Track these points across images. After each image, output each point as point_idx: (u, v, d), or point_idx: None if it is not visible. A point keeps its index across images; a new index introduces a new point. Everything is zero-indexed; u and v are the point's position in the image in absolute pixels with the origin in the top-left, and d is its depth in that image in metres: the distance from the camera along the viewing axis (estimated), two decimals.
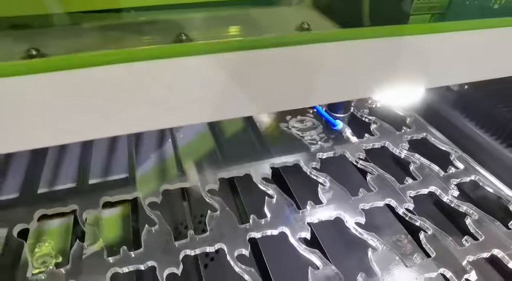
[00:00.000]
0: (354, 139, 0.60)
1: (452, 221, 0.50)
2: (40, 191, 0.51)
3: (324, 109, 0.63)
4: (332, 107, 0.63)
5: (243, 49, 0.24)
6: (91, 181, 0.53)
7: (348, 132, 0.60)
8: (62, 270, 0.41)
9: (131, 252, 0.43)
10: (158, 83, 0.23)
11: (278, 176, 0.55)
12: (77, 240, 0.44)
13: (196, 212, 0.50)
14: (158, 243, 0.44)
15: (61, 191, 0.51)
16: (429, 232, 0.46)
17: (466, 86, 0.65)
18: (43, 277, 0.40)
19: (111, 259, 0.42)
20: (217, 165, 0.55)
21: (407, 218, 0.48)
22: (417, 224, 0.48)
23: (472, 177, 0.55)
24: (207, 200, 0.49)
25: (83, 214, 0.47)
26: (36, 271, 0.41)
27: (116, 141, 0.61)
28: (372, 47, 0.28)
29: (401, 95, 0.71)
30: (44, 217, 0.47)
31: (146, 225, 0.45)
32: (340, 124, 0.61)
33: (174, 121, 0.27)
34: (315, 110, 0.67)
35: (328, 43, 0.26)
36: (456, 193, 0.52)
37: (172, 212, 0.49)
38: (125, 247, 0.43)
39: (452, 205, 0.51)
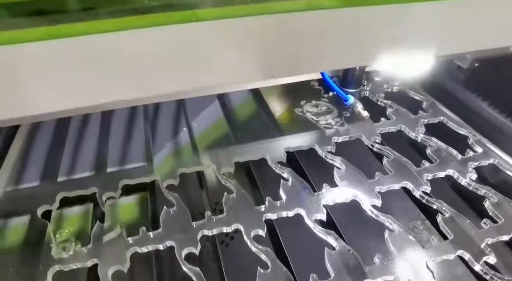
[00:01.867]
0: (365, 113, 0.60)
1: (470, 204, 0.50)
2: (60, 179, 0.52)
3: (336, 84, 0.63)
4: (344, 83, 0.64)
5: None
6: (109, 170, 0.53)
7: (359, 106, 0.60)
8: (84, 249, 0.42)
9: (150, 233, 0.44)
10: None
11: (293, 161, 0.55)
12: (97, 222, 0.45)
13: (212, 195, 0.50)
14: (176, 223, 0.44)
15: (81, 178, 0.52)
16: (447, 215, 0.46)
17: (476, 64, 0.64)
18: (65, 256, 0.42)
19: (130, 240, 0.43)
20: (232, 149, 0.55)
21: (424, 201, 0.48)
22: (434, 206, 0.47)
23: (491, 161, 0.54)
24: (223, 182, 0.50)
25: (103, 196, 0.48)
26: (58, 256, 0.42)
27: (133, 129, 0.62)
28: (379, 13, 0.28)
29: (415, 78, 0.71)
30: (65, 203, 0.49)
31: (165, 207, 0.46)
32: (351, 99, 0.61)
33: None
34: (330, 94, 0.67)
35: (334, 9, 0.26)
36: (474, 176, 0.51)
37: (189, 195, 0.50)
38: (144, 228, 0.44)
39: (470, 188, 0.50)
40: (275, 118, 0.62)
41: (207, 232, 0.43)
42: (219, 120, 0.63)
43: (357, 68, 0.64)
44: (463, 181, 0.51)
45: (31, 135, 0.61)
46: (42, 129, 0.62)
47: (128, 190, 0.50)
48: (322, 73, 0.60)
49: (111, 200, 0.48)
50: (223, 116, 0.64)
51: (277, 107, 0.65)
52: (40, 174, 0.53)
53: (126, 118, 0.65)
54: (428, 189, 0.49)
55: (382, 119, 0.61)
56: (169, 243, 0.42)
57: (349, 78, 0.66)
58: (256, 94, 0.69)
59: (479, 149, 0.56)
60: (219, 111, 0.66)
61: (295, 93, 0.68)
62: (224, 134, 0.60)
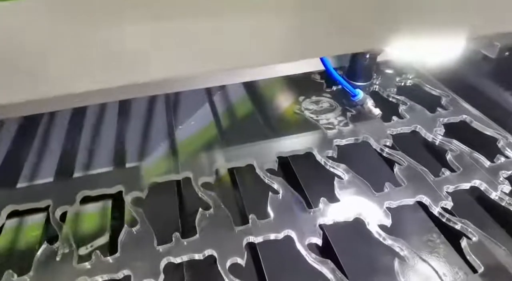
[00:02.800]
0: (377, 111, 0.50)
1: (502, 224, 0.40)
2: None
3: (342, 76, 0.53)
4: (351, 75, 0.54)
5: None
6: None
7: (370, 103, 0.51)
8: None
9: (108, 258, 0.36)
10: None
11: (286, 167, 0.46)
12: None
13: (185, 211, 0.42)
14: (138, 247, 0.36)
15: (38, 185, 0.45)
16: (474, 239, 0.37)
17: (507, 53, 0.54)
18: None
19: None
20: (215, 154, 0.47)
21: (444, 220, 0.39)
22: (457, 227, 0.38)
23: None
24: (200, 195, 0.42)
25: (57, 210, 0.41)
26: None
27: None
28: None
29: (432, 70, 0.61)
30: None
31: (126, 225, 0.38)
32: (360, 94, 0.51)
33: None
34: (333, 88, 0.58)
35: None
36: (507, 188, 0.42)
37: (158, 210, 0.42)
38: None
39: (503, 204, 0.41)
40: (268, 117, 0.54)
41: (173, 260, 0.35)
42: (207, 120, 0.55)
43: (367, 56, 0.54)
44: (493, 195, 0.41)
45: None
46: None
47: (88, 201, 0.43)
48: (324, 63, 0.50)
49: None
50: (211, 115, 0.56)
51: (272, 104, 0.56)
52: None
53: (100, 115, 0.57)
54: (449, 204, 0.40)
55: (394, 118, 0.52)
56: (126, 272, 0.34)
57: (358, 69, 0.56)
58: (249, 88, 0.61)
59: None
60: (208, 110, 0.57)
61: (293, 87, 0.59)
62: (212, 137, 0.51)
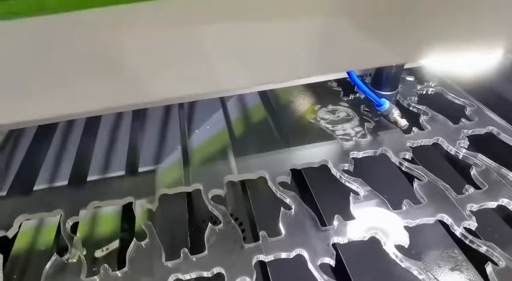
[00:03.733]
0: (403, 122, 0.47)
1: None
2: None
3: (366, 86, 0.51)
4: (376, 84, 0.51)
5: None
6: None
7: (396, 113, 0.48)
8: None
9: (117, 272, 0.35)
10: None
11: (300, 181, 0.45)
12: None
13: (195, 225, 0.41)
14: (146, 262, 0.36)
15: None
16: (501, 264, 0.34)
17: None
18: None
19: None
20: (226, 165, 0.46)
21: (467, 242, 0.37)
22: (482, 250, 0.36)
23: None
24: (210, 208, 0.41)
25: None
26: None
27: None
28: None
29: (456, 78, 0.58)
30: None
31: (134, 239, 0.38)
32: (386, 103, 0.48)
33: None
34: (350, 97, 0.56)
35: None
36: None
37: (167, 223, 0.41)
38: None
39: None
40: (281, 126, 0.52)
41: (181, 276, 0.34)
42: (220, 130, 0.54)
43: (393, 65, 0.51)
44: None
45: None
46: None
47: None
48: (349, 72, 0.48)
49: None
50: (225, 125, 0.54)
51: (286, 113, 0.55)
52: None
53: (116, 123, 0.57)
54: (472, 225, 0.38)
55: (414, 129, 0.49)
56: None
57: (383, 78, 0.52)
58: (264, 96, 0.59)
59: None
60: (221, 119, 0.56)
61: (309, 95, 0.57)
62: (224, 146, 0.50)
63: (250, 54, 0.24)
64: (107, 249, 0.39)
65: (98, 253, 0.39)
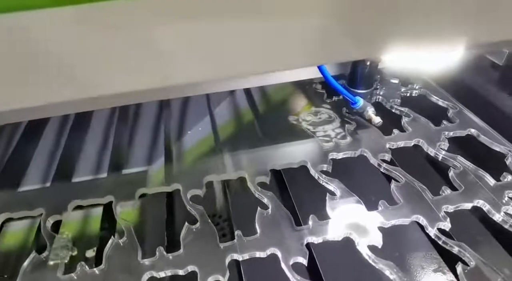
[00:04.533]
0: (377, 119, 0.49)
1: (507, 248, 0.38)
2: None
3: (342, 84, 0.52)
4: (352, 83, 0.53)
5: None
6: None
7: (370, 111, 0.49)
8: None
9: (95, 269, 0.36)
10: None
11: (280, 181, 0.45)
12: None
13: (172, 225, 0.42)
14: (123, 259, 0.36)
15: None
16: (471, 264, 0.35)
17: None
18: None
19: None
20: (207, 164, 0.46)
21: (440, 243, 0.37)
22: (455, 251, 0.36)
23: None
24: (188, 208, 0.41)
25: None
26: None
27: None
28: None
29: (439, 80, 0.59)
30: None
31: (112, 237, 0.38)
32: (360, 101, 0.50)
33: None
34: (333, 99, 0.56)
35: None
36: None
37: (146, 223, 0.41)
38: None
39: (506, 227, 0.38)
40: (265, 127, 0.53)
41: (155, 274, 0.35)
42: (207, 131, 0.54)
43: (367, 64, 0.52)
44: (497, 217, 0.39)
45: None
46: None
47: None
48: (322, 71, 0.49)
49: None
50: (210, 126, 0.55)
51: (270, 114, 0.55)
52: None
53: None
54: (446, 226, 0.38)
55: (395, 130, 0.50)
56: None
57: (358, 77, 0.54)
58: (249, 97, 0.60)
59: None
60: (206, 120, 0.56)
61: (293, 97, 0.58)
62: (207, 146, 0.51)
63: (213, 48, 0.25)
64: (94, 250, 0.39)
65: (89, 253, 0.39)
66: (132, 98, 0.54)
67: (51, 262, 0.37)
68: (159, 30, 0.24)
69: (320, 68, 0.48)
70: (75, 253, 0.39)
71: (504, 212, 0.39)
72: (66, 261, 0.37)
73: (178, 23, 0.24)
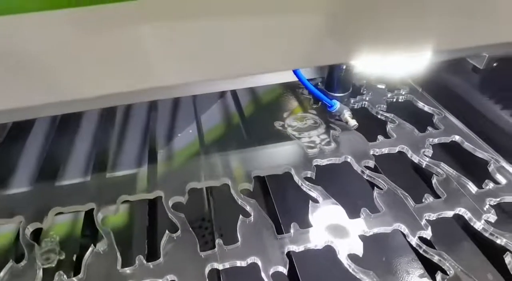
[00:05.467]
0: (353, 122, 0.50)
1: (488, 256, 0.38)
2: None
3: (318, 88, 0.54)
4: (330, 86, 0.56)
5: None
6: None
7: (346, 113, 0.51)
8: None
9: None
10: None
11: (264, 188, 0.45)
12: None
13: (154, 234, 0.41)
14: (101, 268, 0.36)
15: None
16: (450, 273, 0.35)
17: (495, 64, 0.52)
18: None
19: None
20: (190, 170, 0.46)
21: (421, 251, 0.37)
22: (435, 260, 0.36)
23: None
24: (170, 216, 0.41)
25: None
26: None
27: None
28: None
29: (426, 85, 0.59)
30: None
31: (92, 245, 0.38)
32: (337, 104, 0.52)
33: None
34: (319, 104, 0.56)
35: None
36: (493, 218, 0.39)
37: (125, 231, 0.41)
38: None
39: (487, 235, 0.38)
40: (250, 133, 0.52)
41: None
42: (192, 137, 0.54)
43: (343, 68, 0.54)
44: (478, 225, 0.39)
45: None
46: None
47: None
48: (297, 75, 0.50)
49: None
50: (196, 131, 0.55)
51: (256, 120, 0.55)
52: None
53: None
54: (427, 234, 0.38)
55: (380, 137, 0.50)
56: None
57: (335, 80, 0.56)
58: (236, 101, 0.60)
59: (503, 180, 0.44)
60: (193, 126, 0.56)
61: (278, 102, 0.58)
62: (192, 152, 0.51)
63: (196, 50, 0.26)
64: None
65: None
66: (117, 100, 0.55)
67: (40, 266, 0.37)
68: (145, 32, 0.24)
69: (295, 72, 0.49)
70: (62, 257, 0.38)
71: (485, 220, 0.39)
72: (54, 265, 0.37)
73: (161, 25, 0.24)
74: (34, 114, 0.54)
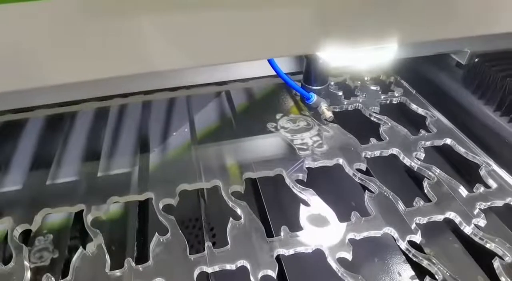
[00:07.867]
0: (329, 114, 0.52)
1: (478, 261, 0.38)
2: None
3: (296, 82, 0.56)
4: (307, 79, 0.58)
5: None
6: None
7: (323, 106, 0.53)
8: None
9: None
10: None
11: (254, 191, 0.45)
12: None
13: (143, 236, 0.41)
14: (89, 272, 0.36)
15: None
16: (439, 278, 0.35)
17: (476, 59, 0.53)
18: None
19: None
20: (181, 172, 0.46)
21: (410, 255, 0.37)
22: (424, 264, 0.36)
23: (508, 200, 0.42)
24: (160, 218, 0.40)
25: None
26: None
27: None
28: None
29: (419, 86, 0.59)
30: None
31: (80, 247, 0.38)
32: (314, 97, 0.53)
33: None
34: (311, 104, 0.56)
35: None
36: (483, 222, 0.40)
37: (115, 233, 0.41)
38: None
39: (476, 239, 0.38)
40: (242, 135, 0.52)
41: None
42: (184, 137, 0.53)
43: (320, 61, 0.56)
44: (467, 229, 0.39)
45: None
46: None
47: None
48: (274, 68, 0.51)
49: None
50: (188, 132, 0.54)
51: (247, 121, 0.55)
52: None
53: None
54: (417, 238, 0.38)
55: (372, 139, 0.50)
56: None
57: (312, 73, 0.58)
58: (229, 100, 0.59)
59: (493, 184, 0.44)
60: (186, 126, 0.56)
61: (272, 103, 0.58)
62: (183, 153, 0.50)
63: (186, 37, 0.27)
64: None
65: None
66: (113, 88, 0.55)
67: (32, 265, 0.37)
68: (138, 19, 0.26)
69: (271, 63, 0.50)
70: (56, 255, 0.38)
71: (475, 224, 0.39)
72: (47, 263, 0.37)
73: (149, 13, 0.26)
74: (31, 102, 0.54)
